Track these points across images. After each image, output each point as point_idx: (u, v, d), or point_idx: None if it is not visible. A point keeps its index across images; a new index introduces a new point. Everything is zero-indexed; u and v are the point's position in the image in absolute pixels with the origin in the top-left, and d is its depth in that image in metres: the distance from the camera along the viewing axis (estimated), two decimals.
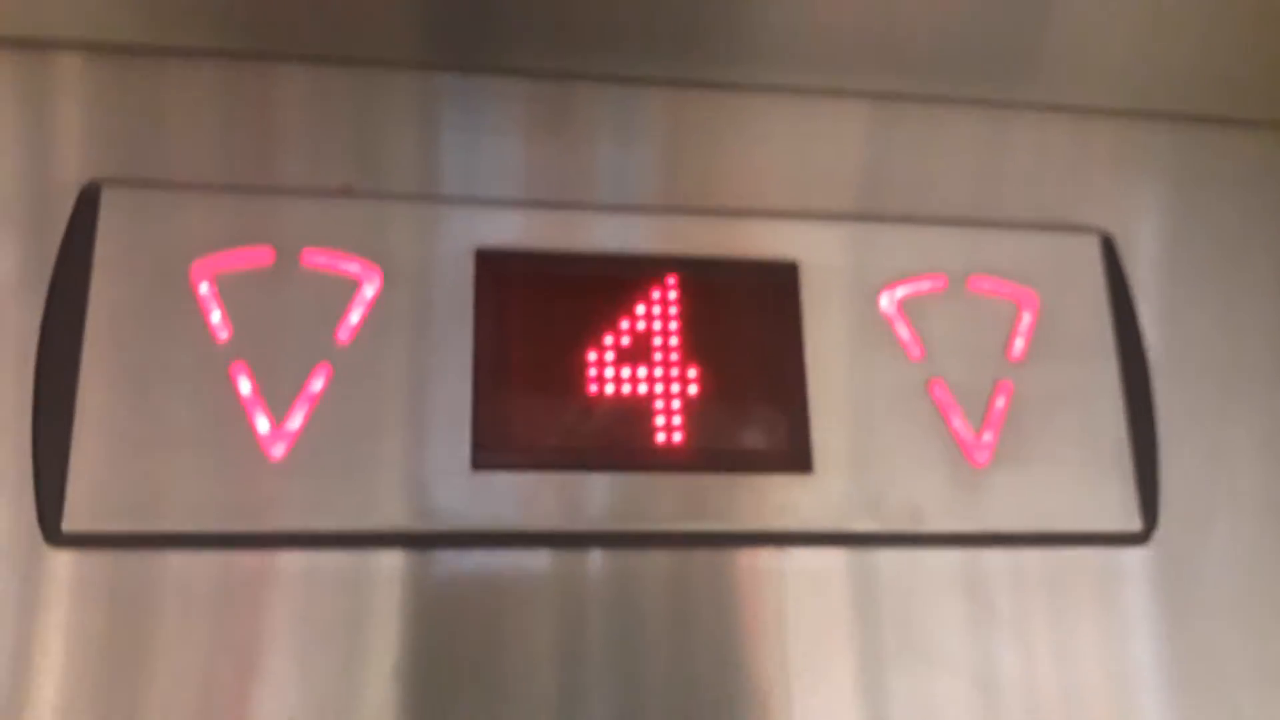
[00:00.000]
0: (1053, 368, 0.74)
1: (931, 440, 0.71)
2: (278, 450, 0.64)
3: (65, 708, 0.59)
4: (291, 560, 0.63)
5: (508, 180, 0.73)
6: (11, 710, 0.59)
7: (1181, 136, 0.82)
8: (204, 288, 0.66)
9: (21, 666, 0.60)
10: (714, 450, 0.68)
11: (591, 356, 0.69)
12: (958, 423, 0.71)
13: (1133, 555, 0.72)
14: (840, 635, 0.67)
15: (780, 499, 0.68)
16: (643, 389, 0.69)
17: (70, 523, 0.61)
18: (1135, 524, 0.72)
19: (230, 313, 0.66)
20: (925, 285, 0.74)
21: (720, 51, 0.73)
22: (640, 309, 0.70)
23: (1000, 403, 0.72)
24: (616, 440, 0.67)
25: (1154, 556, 0.72)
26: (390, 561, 0.64)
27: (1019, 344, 0.74)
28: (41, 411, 0.63)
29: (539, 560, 0.66)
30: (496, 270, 0.69)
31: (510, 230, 0.71)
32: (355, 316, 0.67)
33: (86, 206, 0.66)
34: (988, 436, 0.71)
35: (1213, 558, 0.73)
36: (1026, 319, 0.74)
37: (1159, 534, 0.72)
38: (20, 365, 0.64)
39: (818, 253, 0.73)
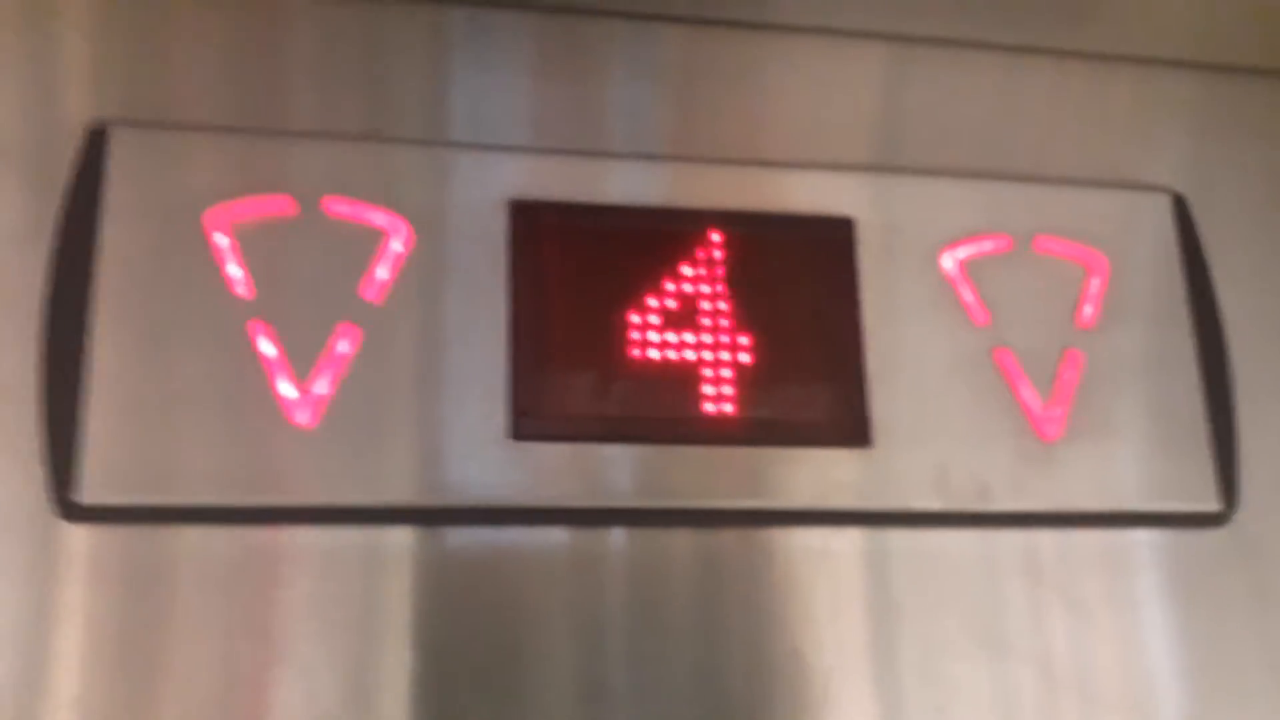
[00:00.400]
0: (1124, 336, 0.69)
1: (998, 412, 0.66)
2: (303, 417, 0.59)
3: (81, 689, 0.56)
4: (318, 536, 0.59)
5: (533, 124, 0.68)
6: (27, 692, 0.55)
7: (1256, 90, 0.78)
8: (221, 238, 0.61)
9: (35, 648, 0.56)
10: (766, 422, 0.64)
11: (635, 319, 0.64)
12: (1026, 393, 0.67)
13: (1211, 538, 0.68)
14: (901, 619, 0.64)
15: (837, 475, 0.64)
16: (690, 355, 0.64)
17: (82, 495, 0.56)
18: (1213, 504, 0.68)
19: (249, 266, 0.61)
20: (989, 245, 0.70)
21: None
22: (686, 269, 0.66)
23: (1070, 373, 0.68)
24: (662, 410, 0.63)
25: (1233, 539, 0.68)
26: (426, 538, 0.60)
27: (1088, 310, 0.69)
28: (49, 374, 0.58)
29: (580, 537, 0.62)
30: (532, 223, 0.65)
31: (545, 180, 0.66)
32: (382, 272, 0.62)
33: (94, 148, 0.61)
34: (1057, 409, 0.67)
35: None
36: (1096, 283, 0.70)
37: (1238, 515, 0.68)
38: (26, 322, 0.59)
39: (876, 208, 0.69)
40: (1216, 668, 0.66)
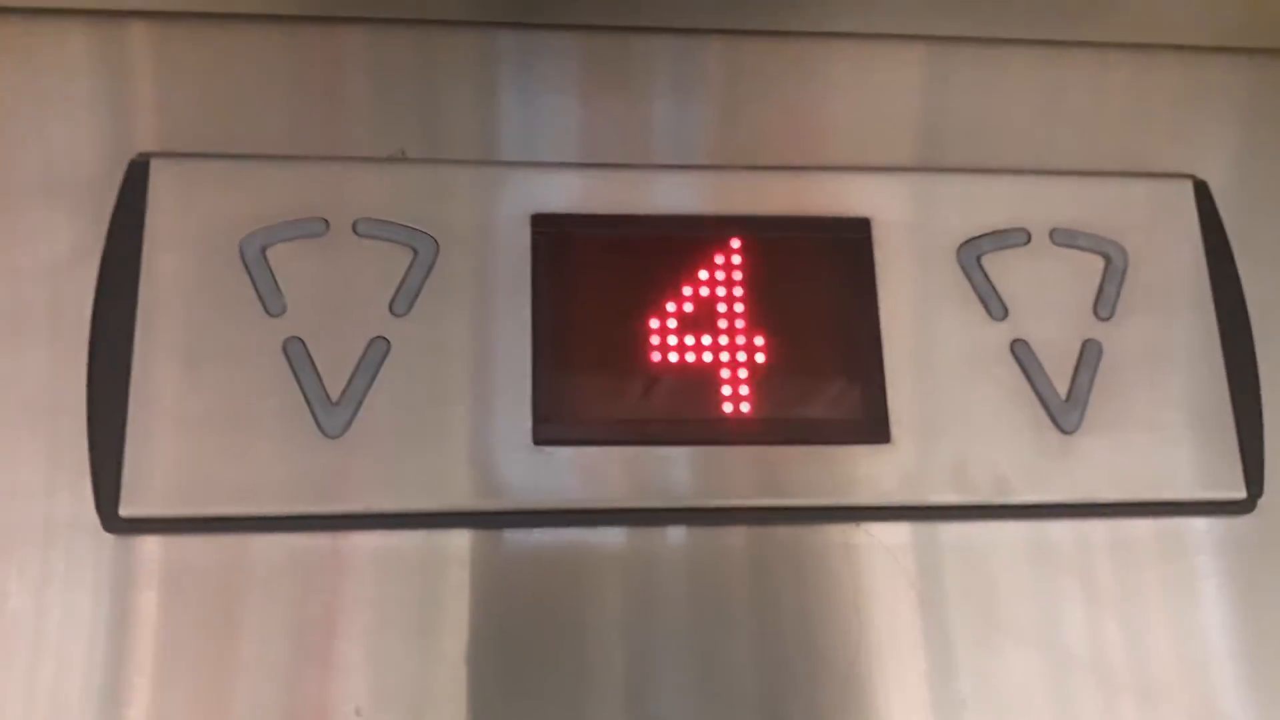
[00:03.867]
0: (1145, 325, 0.69)
1: (1016, 405, 0.66)
2: (335, 428, 0.62)
3: (135, 699, 0.59)
4: (353, 541, 0.62)
5: (565, 140, 0.70)
6: (81, 701, 0.58)
7: (1268, 74, 0.77)
8: (256, 260, 0.64)
9: (83, 658, 0.59)
10: (785, 421, 0.65)
11: (654, 324, 0.66)
12: (1044, 386, 0.67)
13: (1236, 525, 0.67)
14: (923, 613, 0.64)
15: (856, 471, 0.64)
16: (708, 357, 0.66)
17: (127, 507, 0.60)
18: (1239, 491, 0.67)
19: (283, 285, 0.64)
20: (1006, 239, 0.70)
21: None
22: (704, 273, 0.67)
23: (1090, 364, 0.68)
24: (682, 412, 0.65)
25: (1260, 526, 0.67)
26: (454, 540, 0.62)
27: (1108, 300, 0.69)
28: (96, 393, 0.61)
29: (606, 537, 0.64)
30: (553, 235, 0.67)
31: (568, 193, 0.68)
32: (411, 287, 0.65)
33: (136, 180, 0.65)
34: (1076, 400, 0.67)
35: None
36: (1116, 273, 0.70)
37: (1265, 502, 0.68)
38: (77, 345, 0.62)
39: (891, 207, 0.69)
40: (1246, 655, 0.66)
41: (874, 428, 0.65)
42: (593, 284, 0.67)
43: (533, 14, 0.71)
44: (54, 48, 0.68)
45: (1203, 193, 0.73)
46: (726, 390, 0.65)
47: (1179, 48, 0.76)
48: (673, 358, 0.65)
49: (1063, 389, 0.67)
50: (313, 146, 0.68)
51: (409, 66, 0.70)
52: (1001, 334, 0.68)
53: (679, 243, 0.67)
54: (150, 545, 0.61)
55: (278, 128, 0.68)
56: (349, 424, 0.62)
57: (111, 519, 0.60)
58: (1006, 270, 0.69)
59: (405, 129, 0.69)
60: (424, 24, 0.70)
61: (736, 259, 0.68)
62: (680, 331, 0.66)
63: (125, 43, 0.68)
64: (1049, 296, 0.69)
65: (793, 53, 0.73)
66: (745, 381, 0.65)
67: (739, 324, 0.66)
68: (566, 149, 0.70)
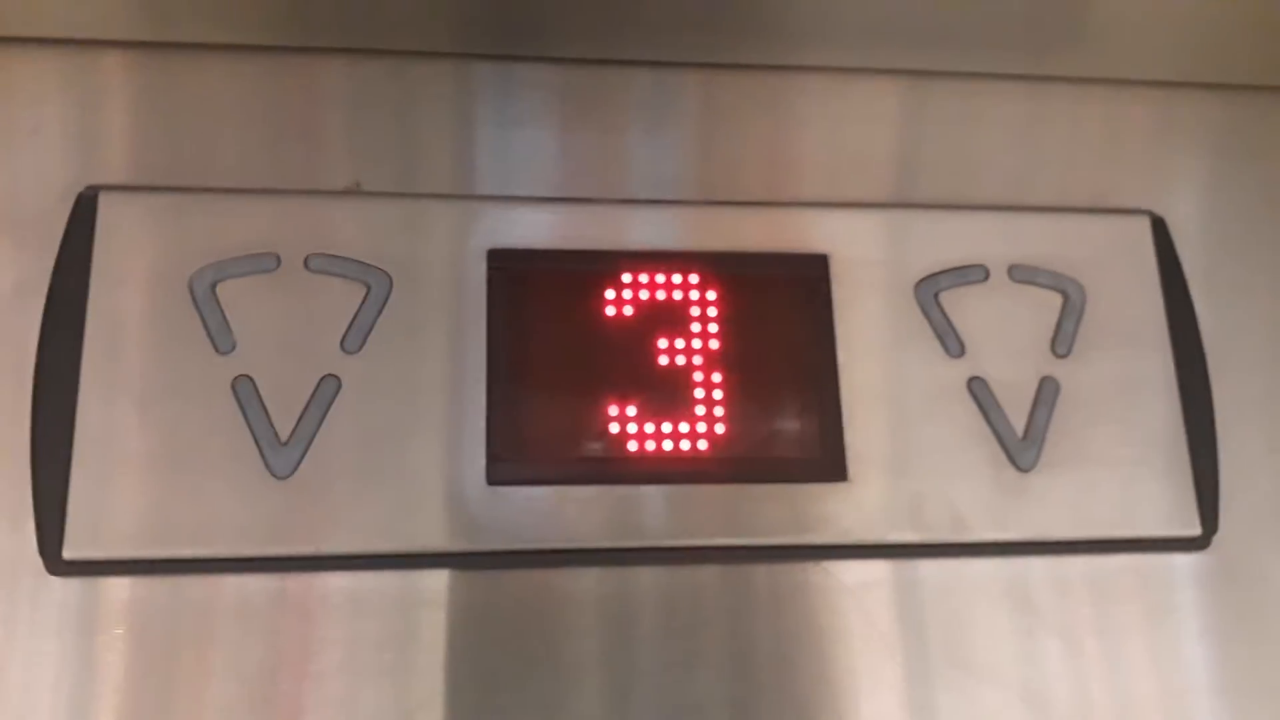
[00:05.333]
0: (1102, 362, 0.69)
1: (973, 443, 0.66)
2: (283, 468, 0.61)
3: None
4: (307, 584, 0.61)
5: (533, 173, 0.70)
6: None
7: (1234, 109, 0.77)
8: (205, 297, 0.63)
9: (26, 704, 0.58)
10: (743, 459, 0.64)
11: (611, 362, 0.65)
12: (1001, 424, 0.67)
13: (1191, 561, 0.68)
14: (883, 652, 0.64)
15: (814, 509, 0.64)
16: (666, 395, 0.65)
17: (71, 550, 0.58)
18: (1194, 528, 0.67)
19: (233, 323, 0.63)
20: (965, 276, 0.70)
21: (755, 31, 0.69)
22: (663, 310, 0.66)
23: (1046, 401, 0.68)
24: (638, 451, 0.64)
25: (1214, 563, 0.68)
26: (405, 582, 0.61)
27: (1066, 337, 0.69)
28: (40, 433, 0.60)
29: (561, 578, 0.63)
30: (510, 271, 0.66)
31: (526, 228, 0.67)
32: (363, 324, 0.64)
33: (84, 214, 0.64)
34: (1033, 438, 0.67)
35: (1278, 564, 0.68)
36: (1073, 310, 0.70)
37: (1219, 538, 0.68)
38: (20, 383, 0.61)
39: (850, 243, 0.69)
40: (1202, 690, 0.66)
41: (831, 466, 0.65)
42: (549, 321, 0.66)
43: (510, 46, 0.70)
44: (25, 77, 0.67)
45: (1160, 229, 0.73)
46: (684, 428, 0.65)
47: (1151, 83, 0.76)
48: (630, 396, 0.65)
49: (1019, 426, 0.67)
50: (285, 180, 0.67)
51: (385, 98, 0.69)
52: (959, 371, 0.68)
53: (637, 279, 0.67)
54: (98, 588, 0.60)
55: (250, 161, 0.67)
56: (298, 464, 0.61)
57: (55, 561, 0.58)
58: (964, 307, 0.69)
59: (380, 162, 0.68)
60: (401, 55, 0.70)
61: (695, 294, 0.67)
62: (638, 369, 0.65)
63: (98, 73, 0.67)
64: (1007, 333, 0.69)
65: (769, 87, 0.73)
66: (703, 419, 0.65)
67: (697, 360, 0.66)
68: (541, 182, 0.69)
